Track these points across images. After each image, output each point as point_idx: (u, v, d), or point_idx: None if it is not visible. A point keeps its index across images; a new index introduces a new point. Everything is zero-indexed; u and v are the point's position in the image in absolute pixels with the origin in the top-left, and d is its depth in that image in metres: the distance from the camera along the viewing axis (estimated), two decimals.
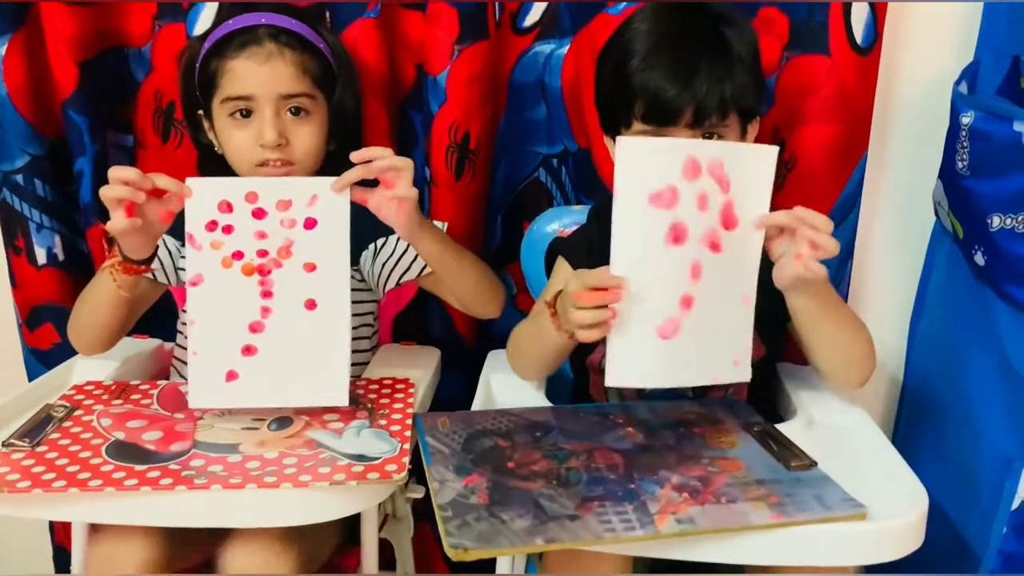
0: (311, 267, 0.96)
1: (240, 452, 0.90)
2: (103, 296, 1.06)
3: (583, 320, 0.90)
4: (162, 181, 0.94)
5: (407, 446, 0.91)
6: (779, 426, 0.99)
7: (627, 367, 0.91)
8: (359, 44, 1.26)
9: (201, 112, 1.15)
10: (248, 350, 0.96)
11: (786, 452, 0.92)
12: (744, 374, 0.94)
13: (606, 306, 0.89)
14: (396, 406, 1.01)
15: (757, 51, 1.04)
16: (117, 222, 0.94)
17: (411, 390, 1.06)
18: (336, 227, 0.95)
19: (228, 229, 0.94)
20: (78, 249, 1.39)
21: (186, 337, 1.19)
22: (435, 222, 1.20)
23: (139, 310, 1.15)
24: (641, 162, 0.88)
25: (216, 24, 1.14)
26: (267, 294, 0.96)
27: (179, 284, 1.18)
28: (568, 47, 1.29)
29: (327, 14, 1.26)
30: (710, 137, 1.01)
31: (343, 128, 1.18)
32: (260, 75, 1.08)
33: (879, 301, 1.39)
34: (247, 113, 1.09)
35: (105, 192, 0.94)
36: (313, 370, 0.97)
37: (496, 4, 1.24)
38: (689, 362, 0.92)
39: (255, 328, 0.96)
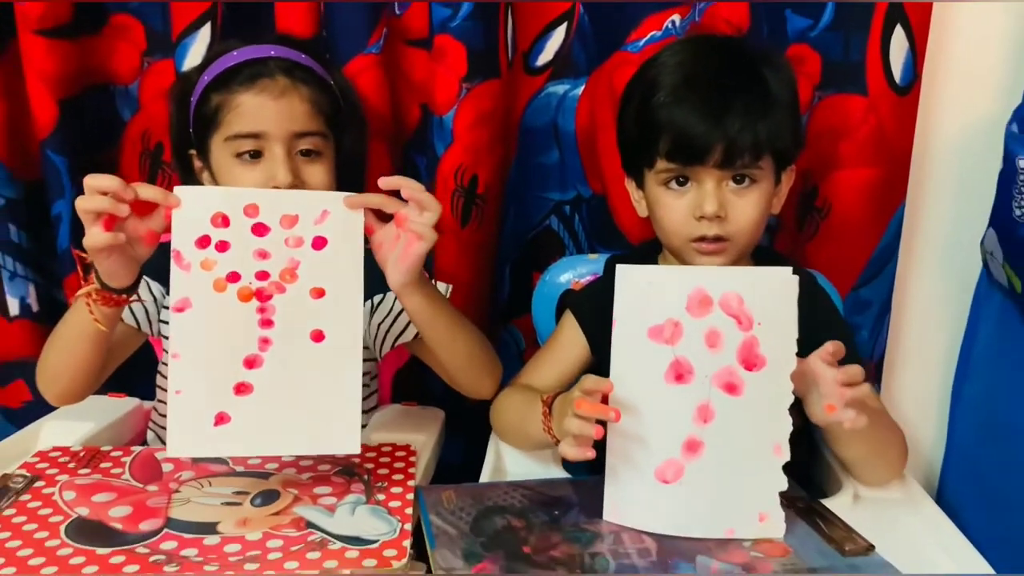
0: (319, 292, 0.84)
1: (219, 532, 0.79)
2: (77, 332, 0.92)
3: (570, 429, 0.80)
4: (146, 191, 0.82)
5: (408, 526, 0.80)
6: (825, 502, 0.89)
7: (623, 504, 0.84)
8: (360, 81, 1.19)
9: (193, 151, 1.05)
10: (242, 388, 0.83)
11: (838, 533, 0.81)
12: (774, 530, 0.81)
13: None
14: (396, 477, 0.90)
15: (796, 94, 0.97)
16: (95, 237, 0.81)
17: (412, 458, 0.95)
18: (349, 248, 0.84)
19: (223, 246, 0.82)
20: (54, 299, 1.31)
21: (166, 392, 1.11)
22: (438, 283, 1.09)
23: (116, 358, 1.02)
24: (640, 291, 0.80)
25: (210, 57, 1.05)
26: (267, 323, 0.83)
27: (159, 335, 1.08)
28: (583, 88, 1.23)
29: (322, 53, 1.18)
30: (741, 181, 0.93)
31: (348, 171, 1.08)
32: (273, 111, 0.97)
33: (919, 361, 1.30)
34: (256, 154, 0.98)
35: (81, 204, 0.81)
36: (319, 412, 0.84)
37: (508, 41, 1.17)
38: (696, 511, 0.82)
39: (251, 363, 0.83)
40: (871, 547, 0.79)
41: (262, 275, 0.83)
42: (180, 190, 0.82)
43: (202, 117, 1.01)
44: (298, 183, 0.98)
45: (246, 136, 0.97)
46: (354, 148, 1.08)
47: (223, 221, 0.82)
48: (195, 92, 1.02)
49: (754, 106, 0.91)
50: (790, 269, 0.79)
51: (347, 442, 0.85)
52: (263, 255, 0.83)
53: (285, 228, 0.83)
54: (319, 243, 0.84)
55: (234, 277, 0.82)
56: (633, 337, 0.80)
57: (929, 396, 1.30)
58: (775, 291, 0.79)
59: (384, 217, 0.89)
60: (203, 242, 0.82)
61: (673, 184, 0.95)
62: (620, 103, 1.01)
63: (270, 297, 0.83)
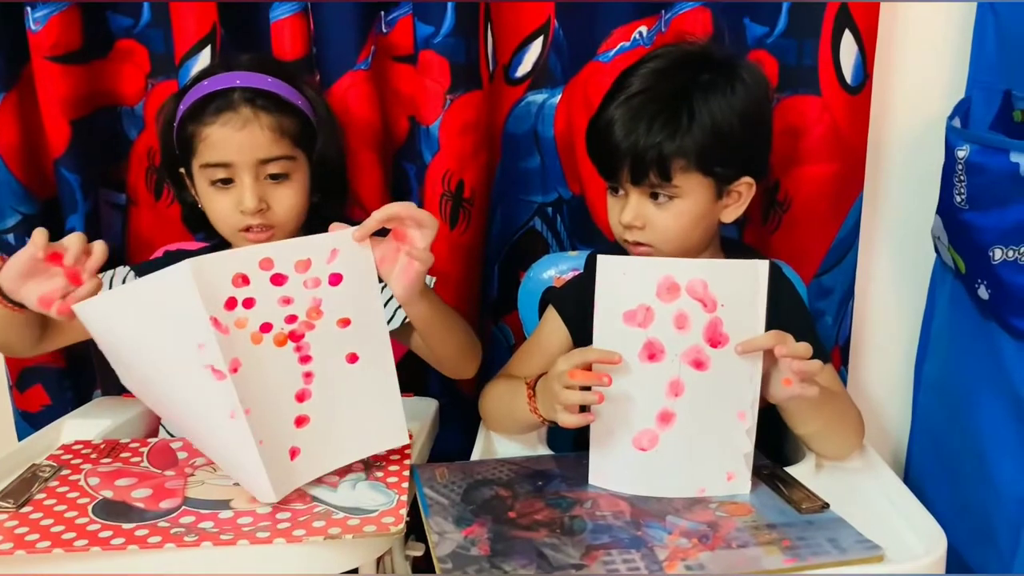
0: (345, 322, 0.90)
1: (232, 508, 0.87)
2: None
3: (570, 400, 0.88)
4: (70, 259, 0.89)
5: (405, 498, 0.88)
6: (788, 469, 0.96)
7: (606, 470, 0.92)
8: (350, 96, 1.26)
9: (183, 170, 1.13)
10: (301, 421, 0.90)
11: (796, 494, 0.89)
12: (741, 487, 0.90)
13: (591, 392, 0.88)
14: (393, 458, 0.98)
15: (749, 114, 0.99)
16: (20, 255, 0.90)
17: (408, 441, 1.03)
18: (364, 277, 0.90)
19: (249, 303, 0.85)
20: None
21: None
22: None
23: (59, 337, 1.08)
24: (617, 280, 0.88)
25: (186, 87, 1.13)
26: (305, 359, 0.89)
27: None
28: (560, 96, 1.31)
29: (314, 70, 1.27)
30: (656, 197, 0.99)
31: (327, 180, 1.17)
32: (237, 142, 1.06)
33: (882, 343, 1.38)
34: (227, 180, 1.07)
35: (38, 237, 0.89)
36: (368, 418, 0.93)
37: (488, 55, 1.25)
38: (671, 474, 0.90)
39: (302, 396, 0.90)
40: (826, 505, 0.87)
41: (290, 319, 0.88)
42: (198, 260, 0.82)
43: (183, 143, 1.09)
44: (264, 207, 1.07)
45: (215, 165, 1.07)
46: (329, 155, 1.15)
47: (243, 280, 0.85)
48: (175, 119, 1.10)
49: (667, 128, 0.95)
50: (765, 262, 0.86)
51: (397, 436, 0.95)
52: (287, 301, 0.87)
53: (300, 272, 0.88)
54: (335, 279, 0.89)
55: (267, 327, 0.87)
56: (611, 321, 0.88)
57: (893, 377, 1.37)
58: (741, 277, 0.87)
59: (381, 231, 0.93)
60: (231, 304, 0.84)
61: (612, 191, 1.03)
62: None
63: (302, 336, 0.89)
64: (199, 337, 0.81)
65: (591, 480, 0.92)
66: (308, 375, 0.90)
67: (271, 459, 0.86)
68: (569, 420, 0.89)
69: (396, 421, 0.95)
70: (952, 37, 1.23)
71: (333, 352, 0.91)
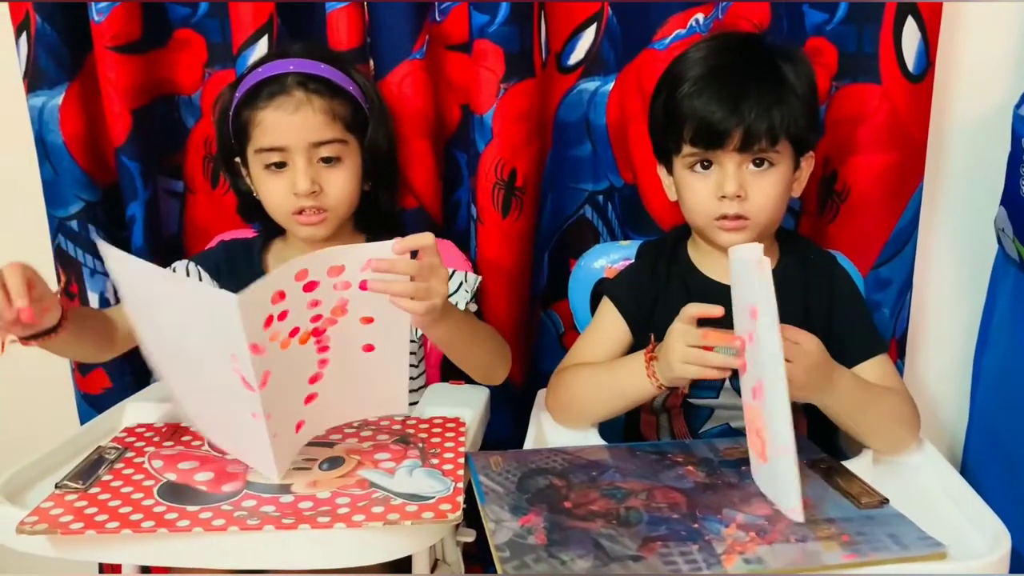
0: (368, 320, 0.92)
1: (292, 492, 0.88)
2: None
3: (713, 361, 0.88)
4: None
5: (461, 485, 0.89)
6: (846, 463, 0.95)
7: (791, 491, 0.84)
8: (405, 85, 1.27)
9: (238, 159, 1.15)
10: (310, 399, 0.95)
11: (855, 489, 0.88)
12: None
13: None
14: (447, 445, 0.99)
15: (814, 87, 1.04)
16: None
17: (462, 429, 1.04)
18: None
19: (283, 315, 0.85)
20: None
21: None
22: (469, 275, 1.18)
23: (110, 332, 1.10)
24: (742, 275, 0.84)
25: (243, 75, 1.15)
26: (323, 349, 0.92)
27: None
28: (613, 84, 1.30)
29: (369, 59, 1.28)
30: (760, 164, 1.00)
31: (377, 167, 1.18)
32: (290, 125, 1.08)
33: (941, 335, 1.35)
34: (281, 164, 1.09)
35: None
36: (372, 389, 0.97)
37: (541, 43, 1.25)
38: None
39: (314, 379, 0.94)
40: (885, 500, 0.85)
41: (316, 318, 0.89)
42: (244, 295, 0.78)
43: (237, 130, 1.12)
44: (317, 189, 1.09)
45: (269, 149, 1.08)
46: (379, 143, 1.16)
47: (280, 296, 0.84)
48: (231, 108, 1.12)
49: (769, 95, 0.98)
50: (759, 245, 0.82)
51: (396, 406, 0.99)
52: (315, 304, 0.88)
53: (332, 277, 0.88)
54: (365, 285, 0.89)
55: (294, 332, 0.88)
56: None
57: (951, 369, 1.35)
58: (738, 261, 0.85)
59: None
60: (268, 322, 0.84)
61: (698, 167, 1.03)
62: (651, 96, 1.09)
63: (323, 331, 0.91)
64: (234, 350, 0.82)
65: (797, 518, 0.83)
66: (323, 362, 0.93)
67: (281, 446, 0.90)
68: (694, 371, 0.90)
69: (398, 393, 0.98)
70: (1018, 22, 1.20)
71: (351, 343, 0.93)
